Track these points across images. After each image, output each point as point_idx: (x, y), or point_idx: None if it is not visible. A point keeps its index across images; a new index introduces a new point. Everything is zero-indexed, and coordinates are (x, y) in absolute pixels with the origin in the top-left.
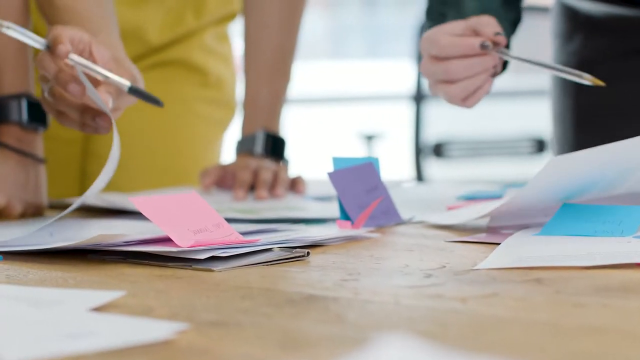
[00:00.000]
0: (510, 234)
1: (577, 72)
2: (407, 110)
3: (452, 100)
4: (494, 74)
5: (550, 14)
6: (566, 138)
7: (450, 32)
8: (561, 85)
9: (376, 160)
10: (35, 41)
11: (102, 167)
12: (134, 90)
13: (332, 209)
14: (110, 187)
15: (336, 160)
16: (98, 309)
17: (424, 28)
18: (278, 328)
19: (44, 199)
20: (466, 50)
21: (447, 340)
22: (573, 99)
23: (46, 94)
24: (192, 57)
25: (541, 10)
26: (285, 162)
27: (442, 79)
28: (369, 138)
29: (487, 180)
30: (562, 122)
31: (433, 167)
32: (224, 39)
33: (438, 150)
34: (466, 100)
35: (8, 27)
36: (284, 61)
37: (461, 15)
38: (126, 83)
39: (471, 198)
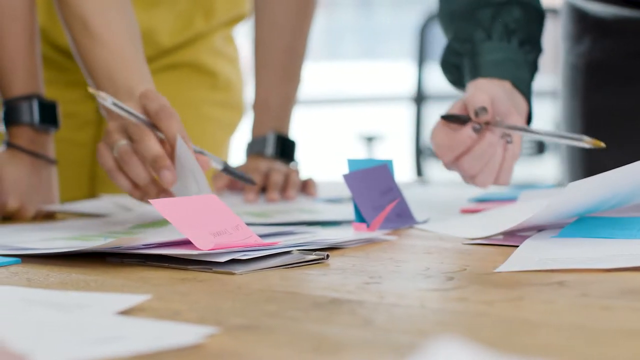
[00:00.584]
0: (528, 237)
1: (576, 136)
2: (407, 112)
3: (486, 187)
4: (510, 141)
5: (560, 15)
6: None
7: (449, 124)
8: (570, 87)
9: (390, 162)
10: (136, 117)
11: None
12: (228, 170)
13: (345, 211)
14: (120, 190)
15: (350, 162)
16: (124, 313)
17: (446, 64)
18: (308, 332)
19: (56, 201)
20: (466, 143)
21: (479, 344)
22: (582, 101)
23: (116, 152)
24: (201, 59)
25: (551, 12)
26: (296, 164)
27: (464, 176)
28: (369, 139)
29: None
30: (571, 124)
31: (433, 168)
32: (230, 40)
33: None
34: (497, 180)
35: (108, 100)
36: (294, 63)
37: (476, 68)
38: (220, 164)
39: (484, 200)
